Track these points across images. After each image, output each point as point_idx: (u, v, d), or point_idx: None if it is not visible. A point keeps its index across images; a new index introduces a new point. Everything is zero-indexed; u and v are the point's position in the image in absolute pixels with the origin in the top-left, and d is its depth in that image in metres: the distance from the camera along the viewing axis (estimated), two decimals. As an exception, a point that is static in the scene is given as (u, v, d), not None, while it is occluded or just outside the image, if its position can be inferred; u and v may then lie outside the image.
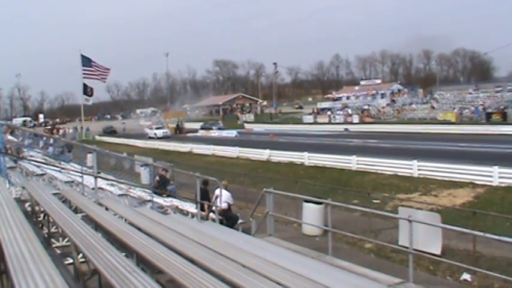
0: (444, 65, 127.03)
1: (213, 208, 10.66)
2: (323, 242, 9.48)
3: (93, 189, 10.56)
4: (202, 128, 60.54)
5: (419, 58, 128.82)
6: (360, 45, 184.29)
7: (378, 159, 22.62)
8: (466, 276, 9.19)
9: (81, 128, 66.24)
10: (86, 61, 48.55)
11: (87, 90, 50.21)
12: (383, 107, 61.56)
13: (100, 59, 50.57)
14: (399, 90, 79.30)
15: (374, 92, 78.30)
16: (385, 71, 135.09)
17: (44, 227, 7.59)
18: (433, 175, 19.36)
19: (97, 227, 6.52)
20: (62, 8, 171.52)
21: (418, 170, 20.14)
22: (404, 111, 56.86)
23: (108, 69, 49.72)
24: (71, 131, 69.36)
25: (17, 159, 14.64)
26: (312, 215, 12.05)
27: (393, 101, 67.50)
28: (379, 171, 21.46)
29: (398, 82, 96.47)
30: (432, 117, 49.67)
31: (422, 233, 9.33)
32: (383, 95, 75.65)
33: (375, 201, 16.01)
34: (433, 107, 55.38)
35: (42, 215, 7.72)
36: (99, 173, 11.04)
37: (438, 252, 9.84)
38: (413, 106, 58.93)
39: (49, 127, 76.58)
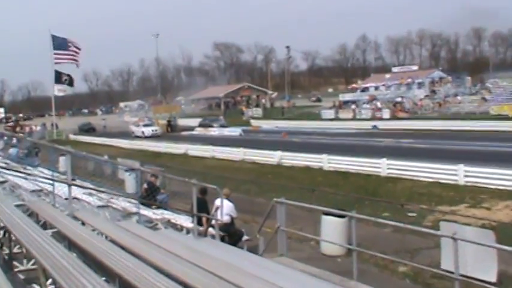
0: (500, 47, 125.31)
1: (213, 222, 10.64)
2: (346, 263, 9.43)
3: (66, 199, 10.55)
4: (200, 125, 60.73)
5: (467, 38, 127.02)
6: (393, 23, 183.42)
7: (414, 163, 22.50)
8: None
9: (52, 125, 66.60)
10: (60, 42, 48.38)
11: (61, 78, 50.27)
12: (420, 99, 61.45)
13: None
14: (441, 79, 78.82)
15: (409, 80, 77.97)
16: (423, 55, 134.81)
17: (3, 246, 7.60)
18: (485, 183, 19.14)
19: (71, 246, 6.51)
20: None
21: (465, 176, 19.96)
22: (447, 104, 56.73)
23: (79, 49, 49.37)
24: (38, 128, 69.71)
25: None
26: (332, 231, 11.98)
27: (433, 91, 67.33)
28: (416, 178, 21.32)
29: (440, 68, 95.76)
30: (483, 111, 49.45)
31: (472, 254, 9.21)
32: (420, 85, 75.23)
33: (410, 214, 15.90)
34: (484, 99, 55.12)
35: (1, 232, 7.72)
36: (74, 179, 11.05)
37: (493, 279, 9.67)
38: (459, 98, 58.77)
39: (11, 124, 77.01)
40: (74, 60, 49.17)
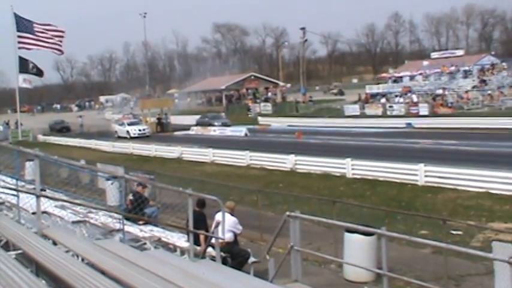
0: None
1: (213, 241, 10.64)
2: (376, 292, 9.40)
3: (34, 214, 10.59)
4: (198, 124, 60.88)
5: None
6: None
7: (459, 169, 22.39)
8: None
9: (17, 123, 66.88)
10: (24, 24, 48.65)
11: (27, 67, 50.45)
12: (467, 91, 61.18)
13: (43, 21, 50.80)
14: (493, 65, 77.99)
15: (453, 68, 77.67)
16: (471, 36, 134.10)
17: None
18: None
19: (39, 270, 6.51)
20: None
21: (525, 186, 19.86)
22: (501, 96, 56.40)
23: (63, 32, 49.62)
24: (-1, 128, 70.08)
25: None
26: (358, 252, 11.97)
27: (483, 81, 66.87)
28: (461, 188, 21.22)
29: (493, 53, 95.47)
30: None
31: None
32: (467, 73, 74.77)
33: (454, 232, 15.85)
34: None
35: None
36: (43, 190, 11.08)
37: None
38: (516, 89, 58.48)
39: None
40: (54, 45, 49.30)
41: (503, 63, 76.66)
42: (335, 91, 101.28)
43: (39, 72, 52.18)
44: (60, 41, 49.47)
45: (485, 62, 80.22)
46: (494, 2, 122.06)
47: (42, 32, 48.59)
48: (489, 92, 59.06)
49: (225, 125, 58.52)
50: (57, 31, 49.30)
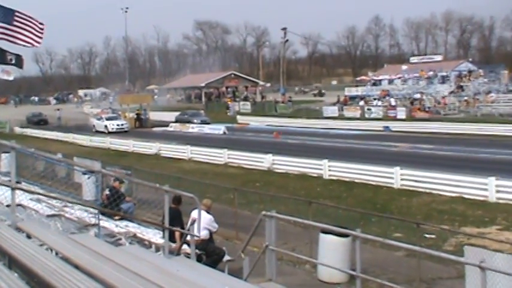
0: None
1: (188, 238, 10.62)
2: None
3: (8, 206, 10.49)
4: (177, 120, 60.75)
5: (505, 23, 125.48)
6: (413, 3, 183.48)
7: (434, 173, 22.53)
8: None
9: (-6, 115, 66.31)
10: (4, 13, 48.15)
11: (5, 58, 49.91)
12: (444, 97, 61.63)
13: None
14: (470, 72, 78.44)
15: (431, 73, 78.19)
16: (450, 42, 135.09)
17: None
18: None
19: (12, 263, 6.45)
20: None
21: (497, 192, 19.93)
22: (477, 102, 56.85)
23: (42, 24, 49.27)
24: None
25: None
26: (332, 253, 12.00)
27: (460, 87, 67.39)
28: (436, 192, 21.39)
29: (470, 59, 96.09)
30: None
31: (503, 287, 9.25)
32: (445, 79, 75.34)
33: (428, 235, 15.96)
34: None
35: None
36: (18, 182, 10.97)
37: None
38: (493, 95, 58.85)
39: None
40: (34, 37, 48.76)
41: (480, 70, 77.33)
42: (316, 92, 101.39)
43: (18, 63, 51.59)
44: (40, 35, 49.02)
45: (462, 68, 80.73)
46: (472, 10, 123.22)
47: (22, 24, 48.09)
48: (466, 98, 59.50)
49: (204, 122, 58.43)
50: (37, 24, 48.85)
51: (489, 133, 41.09)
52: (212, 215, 12.50)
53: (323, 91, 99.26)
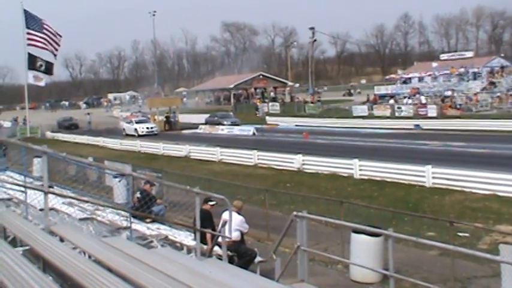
0: None
1: (219, 240, 10.64)
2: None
3: (41, 210, 10.61)
4: (207, 122, 61.04)
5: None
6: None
7: (467, 171, 22.29)
8: None
9: (25, 119, 67.11)
10: (33, 21, 48.68)
11: (35, 64, 50.34)
12: (476, 93, 60.93)
13: (51, 19, 50.91)
14: (503, 67, 77.62)
15: (462, 70, 77.43)
16: (481, 38, 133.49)
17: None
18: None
19: (46, 267, 6.51)
20: None
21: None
22: (510, 98, 56.18)
23: (60, 36, 49.61)
24: (7, 124, 70.25)
25: None
26: (364, 252, 11.95)
27: (492, 83, 66.58)
28: (468, 190, 21.16)
29: (502, 55, 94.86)
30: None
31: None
32: (476, 75, 74.55)
33: (461, 234, 15.81)
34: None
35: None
36: (51, 186, 11.09)
37: None
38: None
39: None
40: (53, 47, 49.13)
41: (513, 66, 76.39)
42: (348, 90, 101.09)
43: (48, 70, 51.98)
44: (58, 46, 49.47)
45: (494, 64, 79.61)
46: (504, 4, 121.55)
47: (49, 32, 48.58)
48: (498, 94, 58.81)
49: (234, 124, 58.57)
50: (57, 35, 49.29)
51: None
52: (243, 216, 12.51)
53: (358, 90, 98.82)
